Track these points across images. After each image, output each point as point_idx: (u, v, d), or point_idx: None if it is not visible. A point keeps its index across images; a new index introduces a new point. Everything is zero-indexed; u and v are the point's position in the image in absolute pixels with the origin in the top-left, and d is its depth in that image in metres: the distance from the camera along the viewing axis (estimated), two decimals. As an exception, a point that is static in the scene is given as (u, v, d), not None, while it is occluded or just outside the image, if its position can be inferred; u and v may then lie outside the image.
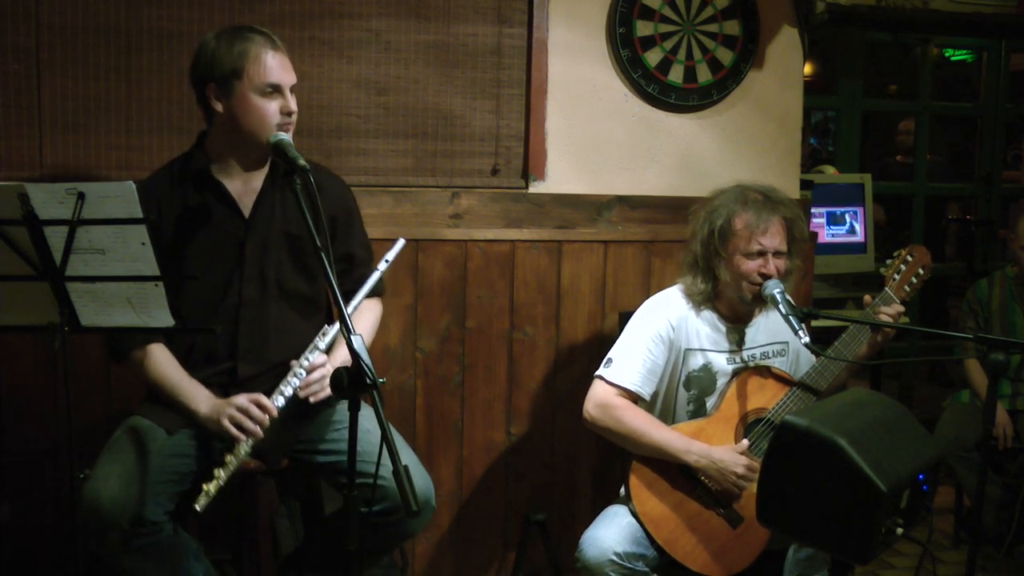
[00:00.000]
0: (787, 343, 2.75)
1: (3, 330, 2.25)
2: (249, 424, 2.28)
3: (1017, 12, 4.55)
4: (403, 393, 3.16)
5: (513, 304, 3.23)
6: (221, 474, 2.23)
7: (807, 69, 4.01)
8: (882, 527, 1.79)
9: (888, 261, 2.71)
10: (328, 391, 2.31)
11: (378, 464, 1.97)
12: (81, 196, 1.96)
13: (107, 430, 2.44)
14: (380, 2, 3.06)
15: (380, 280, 2.45)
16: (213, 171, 2.41)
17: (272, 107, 2.33)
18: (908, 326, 2.77)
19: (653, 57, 3.26)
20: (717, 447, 2.54)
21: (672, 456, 2.53)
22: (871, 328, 2.62)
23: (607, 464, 3.32)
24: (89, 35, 2.86)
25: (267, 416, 2.29)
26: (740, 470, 2.51)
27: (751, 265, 2.58)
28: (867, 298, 2.67)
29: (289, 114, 2.36)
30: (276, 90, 2.34)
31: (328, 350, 2.41)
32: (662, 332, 2.63)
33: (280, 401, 2.32)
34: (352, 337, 1.91)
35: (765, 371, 2.67)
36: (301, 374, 2.35)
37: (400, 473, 1.82)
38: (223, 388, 2.41)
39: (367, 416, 2.01)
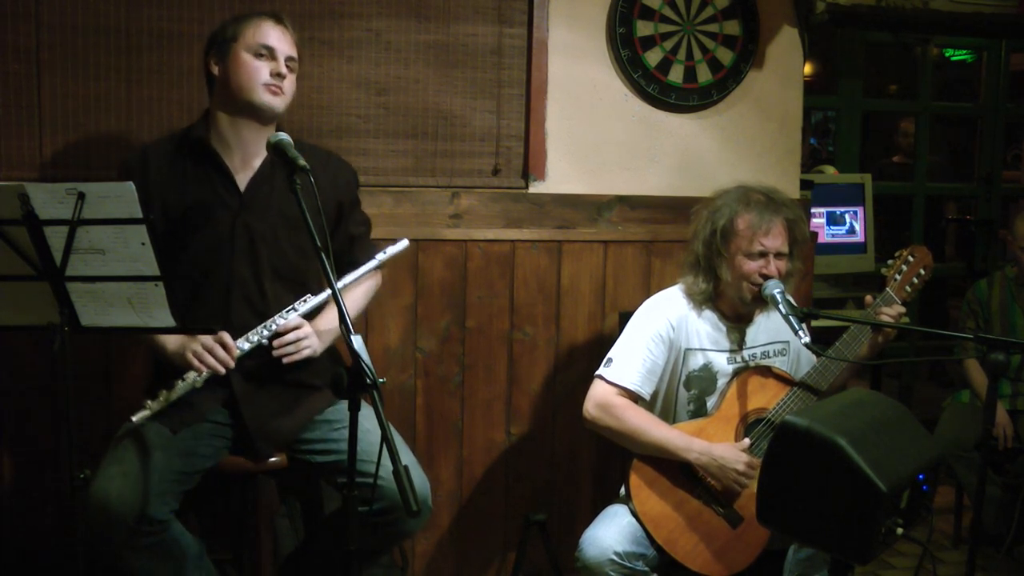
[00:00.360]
0: (788, 343, 2.75)
1: (3, 330, 2.24)
2: (210, 359, 2.32)
3: (1017, 12, 4.54)
4: (403, 393, 3.16)
5: (513, 304, 3.23)
6: (165, 394, 2.30)
7: (807, 69, 4.00)
8: (882, 527, 1.79)
9: (889, 261, 2.71)
10: (303, 355, 2.40)
11: (378, 464, 1.97)
12: (81, 196, 1.96)
13: (107, 430, 2.45)
14: (380, 2, 3.06)
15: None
16: (212, 141, 2.45)
17: (262, 67, 2.39)
18: (908, 326, 2.76)
19: (653, 57, 3.26)
20: (718, 444, 2.54)
21: (673, 454, 2.53)
22: (872, 328, 2.62)
23: (607, 464, 3.32)
24: (89, 35, 2.86)
25: (229, 356, 2.33)
26: (741, 467, 2.51)
27: (752, 266, 2.58)
28: (868, 298, 2.67)
29: (279, 76, 2.40)
30: (269, 53, 2.40)
31: (309, 317, 2.44)
32: (662, 332, 2.64)
33: (245, 346, 2.36)
34: (352, 337, 1.91)
35: (766, 371, 2.67)
36: (272, 326, 2.39)
37: (400, 473, 1.82)
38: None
39: (367, 416, 2.01)
